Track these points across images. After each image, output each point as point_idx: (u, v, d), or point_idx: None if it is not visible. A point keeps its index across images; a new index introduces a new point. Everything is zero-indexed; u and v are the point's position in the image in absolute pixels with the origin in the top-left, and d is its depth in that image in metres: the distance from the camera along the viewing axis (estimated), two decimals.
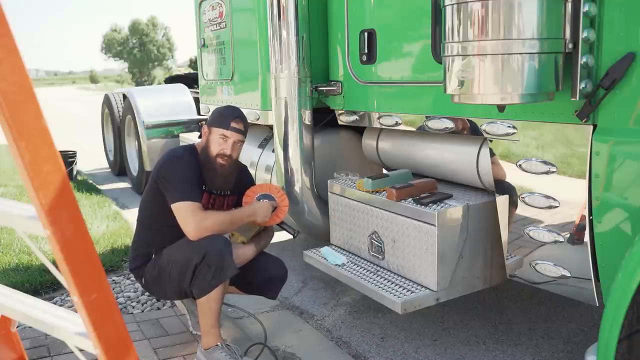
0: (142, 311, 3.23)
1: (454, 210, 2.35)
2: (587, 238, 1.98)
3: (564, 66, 1.83)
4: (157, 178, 2.53)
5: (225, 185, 2.70)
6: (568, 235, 2.08)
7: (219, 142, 2.59)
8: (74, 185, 6.59)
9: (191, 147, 2.69)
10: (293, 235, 2.88)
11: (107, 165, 8.21)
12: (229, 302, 2.91)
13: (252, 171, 3.74)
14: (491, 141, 2.36)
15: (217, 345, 2.51)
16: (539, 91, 1.80)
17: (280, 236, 4.54)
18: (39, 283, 3.50)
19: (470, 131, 2.46)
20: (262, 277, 2.74)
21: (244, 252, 2.66)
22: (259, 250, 2.74)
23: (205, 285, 2.41)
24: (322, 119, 3.43)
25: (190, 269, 2.41)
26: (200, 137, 2.79)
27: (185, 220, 2.42)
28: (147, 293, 3.32)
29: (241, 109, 2.73)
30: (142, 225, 2.72)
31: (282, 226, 2.82)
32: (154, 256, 2.62)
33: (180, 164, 2.54)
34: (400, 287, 2.43)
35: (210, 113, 2.74)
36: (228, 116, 2.62)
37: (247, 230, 2.71)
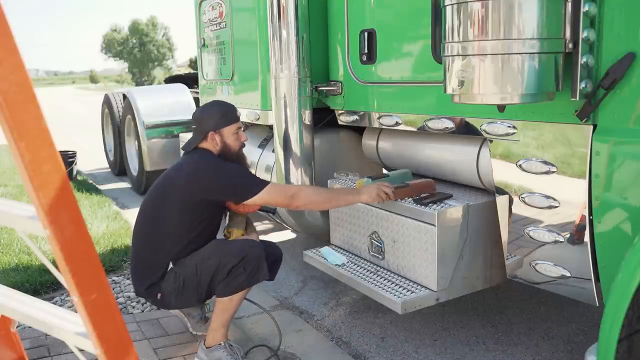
0: (142, 311, 3.23)
1: (454, 210, 2.35)
2: (587, 238, 1.98)
3: (564, 66, 1.83)
4: (205, 190, 2.44)
5: None
6: (568, 235, 2.08)
7: (236, 137, 2.62)
8: (74, 185, 6.59)
9: (209, 152, 2.60)
10: (272, 212, 2.90)
11: (107, 165, 8.21)
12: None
13: (252, 171, 3.74)
14: (491, 141, 2.36)
15: (219, 344, 2.51)
16: (539, 91, 1.80)
17: (280, 236, 4.55)
18: (39, 283, 3.50)
19: (470, 131, 2.46)
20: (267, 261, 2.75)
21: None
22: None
23: (234, 286, 2.42)
24: (322, 119, 3.43)
25: (225, 270, 2.40)
26: (198, 142, 2.67)
27: (285, 196, 2.48)
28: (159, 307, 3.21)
29: (236, 107, 2.72)
30: (162, 241, 2.52)
31: (262, 208, 2.89)
32: (171, 267, 2.52)
33: (224, 165, 2.53)
34: (400, 287, 2.43)
35: (203, 118, 2.60)
36: (230, 111, 2.64)
37: (239, 222, 2.73)
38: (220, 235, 2.70)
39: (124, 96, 7.00)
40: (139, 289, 2.59)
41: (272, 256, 2.75)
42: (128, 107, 6.63)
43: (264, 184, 2.46)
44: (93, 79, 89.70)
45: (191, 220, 2.49)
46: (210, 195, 2.48)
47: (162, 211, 2.53)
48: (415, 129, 2.74)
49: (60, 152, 5.49)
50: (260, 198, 2.44)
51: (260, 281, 2.46)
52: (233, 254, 2.40)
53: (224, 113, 2.62)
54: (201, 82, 4.64)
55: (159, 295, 2.53)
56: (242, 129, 2.70)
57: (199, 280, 2.46)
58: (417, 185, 2.57)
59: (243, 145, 2.69)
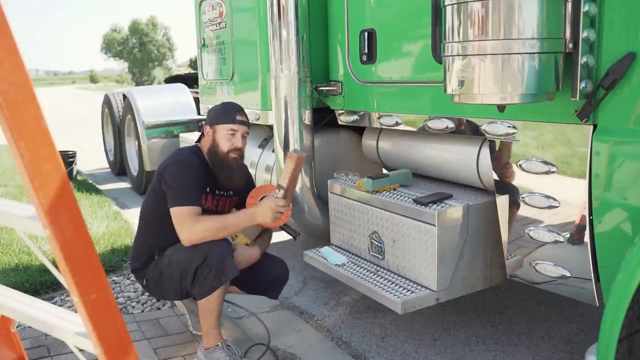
0: (142, 311, 3.23)
1: (454, 210, 2.35)
2: (587, 238, 1.98)
3: (564, 66, 1.83)
4: (161, 180, 2.52)
5: (239, 181, 2.69)
6: (568, 235, 2.08)
7: (228, 138, 2.58)
8: (74, 185, 6.59)
9: (196, 149, 2.67)
10: (294, 237, 2.86)
11: (107, 165, 8.21)
12: (232, 300, 2.91)
13: (252, 171, 3.74)
14: (491, 141, 2.36)
15: (217, 345, 2.51)
16: (539, 91, 1.80)
17: (280, 236, 4.54)
18: (39, 283, 3.50)
19: (470, 131, 2.46)
20: (265, 278, 2.74)
21: (250, 255, 2.64)
22: (263, 252, 2.74)
23: (206, 287, 2.41)
24: (322, 119, 3.43)
25: (191, 270, 2.41)
26: (199, 138, 2.73)
27: (179, 225, 2.41)
28: (147, 293, 3.32)
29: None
30: (145, 225, 2.70)
31: (283, 228, 2.81)
32: (156, 257, 2.62)
33: (184, 167, 2.51)
34: (400, 287, 2.43)
35: (208, 113, 2.72)
36: (231, 111, 2.62)
37: (250, 232, 2.69)
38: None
39: (124, 96, 7.00)
40: (132, 268, 2.74)
41: (270, 274, 2.76)
42: (128, 107, 6.63)
43: (184, 203, 2.41)
44: (93, 79, 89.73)
45: (165, 209, 2.49)
46: (162, 185, 2.50)
47: (147, 198, 2.68)
48: (415, 129, 2.74)
49: (60, 152, 5.49)
50: (172, 211, 2.43)
51: (229, 278, 2.43)
52: (197, 253, 2.39)
53: (224, 111, 2.63)
54: (201, 82, 4.64)
55: (144, 280, 2.67)
56: (242, 135, 2.62)
57: (171, 274, 2.50)
58: (290, 178, 2.51)
59: (240, 151, 2.61)
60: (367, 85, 2.98)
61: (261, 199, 2.69)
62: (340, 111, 3.23)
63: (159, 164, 2.66)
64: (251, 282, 2.72)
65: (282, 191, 2.53)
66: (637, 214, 1.76)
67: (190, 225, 2.39)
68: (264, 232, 2.78)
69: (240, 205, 2.77)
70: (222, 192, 2.68)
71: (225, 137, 2.58)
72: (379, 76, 2.90)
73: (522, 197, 2.22)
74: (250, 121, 3.73)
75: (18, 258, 3.99)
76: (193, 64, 33.66)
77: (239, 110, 2.65)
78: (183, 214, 2.41)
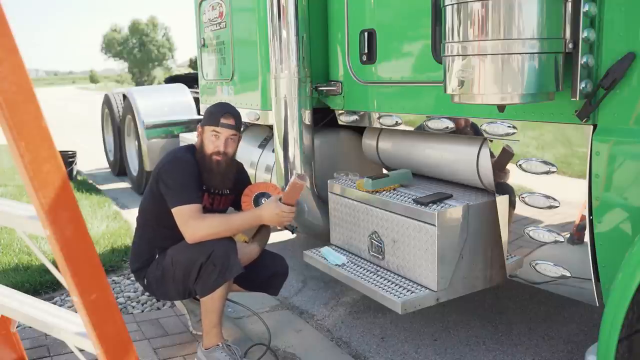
0: (142, 311, 3.23)
1: (454, 210, 2.35)
2: (587, 238, 1.98)
3: (564, 66, 1.83)
4: (158, 180, 2.52)
5: (224, 183, 2.67)
6: (568, 235, 2.08)
7: (212, 140, 2.57)
8: (74, 185, 6.59)
9: (191, 147, 2.68)
10: (291, 231, 2.86)
11: (107, 165, 8.21)
12: (233, 299, 2.91)
13: (252, 171, 3.74)
14: (491, 141, 2.36)
15: (217, 345, 2.51)
16: (539, 91, 1.80)
17: (280, 236, 4.55)
18: (39, 283, 3.50)
19: (470, 131, 2.46)
20: (265, 274, 2.75)
21: (250, 252, 2.66)
22: (262, 248, 2.75)
23: (210, 284, 2.41)
24: (322, 119, 3.43)
25: (196, 268, 2.41)
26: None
27: (183, 224, 2.42)
28: (147, 293, 3.31)
29: (236, 107, 2.70)
30: (144, 226, 2.69)
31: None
32: (157, 257, 2.61)
33: (180, 166, 2.52)
34: (400, 287, 2.43)
35: (203, 113, 2.73)
36: (217, 113, 2.60)
37: (249, 229, 2.71)
38: None
39: (124, 96, 7.00)
40: (132, 269, 2.74)
41: (270, 270, 2.76)
42: (128, 107, 6.63)
43: (186, 202, 2.41)
44: (93, 79, 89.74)
45: (163, 210, 2.49)
46: (160, 186, 2.51)
47: (145, 199, 2.69)
48: (415, 129, 2.74)
49: (60, 152, 5.48)
50: (174, 211, 2.43)
51: (234, 275, 2.43)
52: (201, 251, 2.39)
53: (212, 112, 2.61)
54: (201, 82, 4.64)
55: (145, 280, 2.66)
56: (227, 138, 2.57)
57: (174, 273, 2.50)
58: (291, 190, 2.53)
59: (223, 154, 2.57)
60: (367, 85, 2.98)
61: (256, 196, 2.69)
62: (340, 111, 3.23)
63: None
64: (251, 278, 2.72)
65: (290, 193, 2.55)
66: (637, 214, 1.76)
67: (194, 224, 2.40)
68: (262, 229, 2.78)
69: (237, 203, 2.77)
70: (217, 191, 2.69)
71: (209, 139, 2.57)
72: (379, 76, 2.90)
73: (522, 197, 2.22)
74: (250, 121, 3.74)
75: (18, 258, 3.99)
76: (193, 64, 33.69)
77: (226, 112, 2.59)
78: (186, 212, 2.42)
